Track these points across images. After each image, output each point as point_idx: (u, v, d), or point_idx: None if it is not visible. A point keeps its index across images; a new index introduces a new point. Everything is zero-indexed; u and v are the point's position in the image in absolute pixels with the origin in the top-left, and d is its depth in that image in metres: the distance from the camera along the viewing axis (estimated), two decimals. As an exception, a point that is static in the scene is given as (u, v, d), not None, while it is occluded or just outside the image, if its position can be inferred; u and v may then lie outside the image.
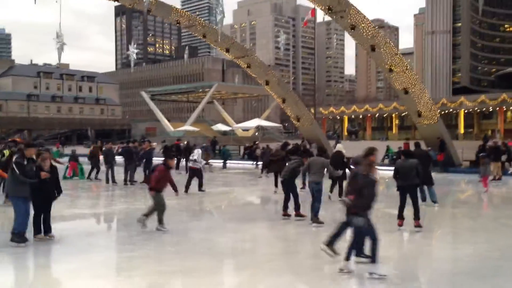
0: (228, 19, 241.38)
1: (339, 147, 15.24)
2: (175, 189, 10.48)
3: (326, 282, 6.80)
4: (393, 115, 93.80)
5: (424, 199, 13.03)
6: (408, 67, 22.82)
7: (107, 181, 19.14)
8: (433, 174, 14.05)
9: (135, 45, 45.83)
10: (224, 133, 69.41)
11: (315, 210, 10.58)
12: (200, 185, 16.54)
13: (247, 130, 70.05)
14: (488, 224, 11.36)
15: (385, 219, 11.22)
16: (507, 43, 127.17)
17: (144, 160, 19.26)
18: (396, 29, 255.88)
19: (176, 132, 67.46)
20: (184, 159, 24.35)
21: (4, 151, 14.93)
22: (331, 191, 14.19)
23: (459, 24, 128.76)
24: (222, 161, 29.17)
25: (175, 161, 25.67)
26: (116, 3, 24.79)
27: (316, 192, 10.57)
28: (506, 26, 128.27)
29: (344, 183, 10.80)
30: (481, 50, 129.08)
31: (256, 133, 61.06)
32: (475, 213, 13.48)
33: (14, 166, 8.59)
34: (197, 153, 16.70)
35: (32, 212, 8.81)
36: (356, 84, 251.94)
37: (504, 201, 15.98)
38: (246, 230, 10.40)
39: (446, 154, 23.23)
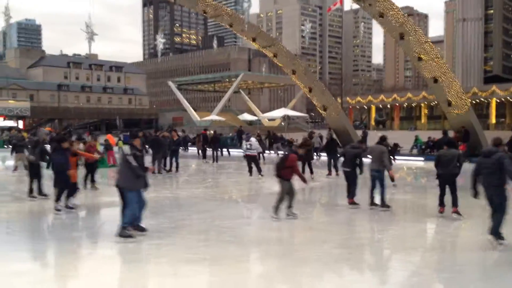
0: (254, 8, 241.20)
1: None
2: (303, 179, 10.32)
3: (354, 272, 6.79)
4: (422, 104, 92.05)
5: None
6: (438, 56, 22.34)
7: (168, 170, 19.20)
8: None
9: (162, 35, 46.31)
10: (250, 123, 69.51)
11: (383, 196, 10.69)
12: (259, 170, 17.18)
13: (273, 119, 70.00)
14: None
15: (414, 210, 11.04)
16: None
17: (171, 149, 19.41)
18: (425, 16, 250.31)
19: (202, 122, 67.95)
20: (212, 149, 24.49)
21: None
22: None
23: (491, 11, 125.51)
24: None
25: (203, 150, 25.89)
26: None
27: (379, 180, 10.66)
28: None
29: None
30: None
31: (282, 123, 60.94)
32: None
33: (130, 159, 8.14)
34: (254, 141, 17.38)
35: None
36: (383, 73, 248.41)
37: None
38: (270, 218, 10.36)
39: (470, 144, 22.46)
